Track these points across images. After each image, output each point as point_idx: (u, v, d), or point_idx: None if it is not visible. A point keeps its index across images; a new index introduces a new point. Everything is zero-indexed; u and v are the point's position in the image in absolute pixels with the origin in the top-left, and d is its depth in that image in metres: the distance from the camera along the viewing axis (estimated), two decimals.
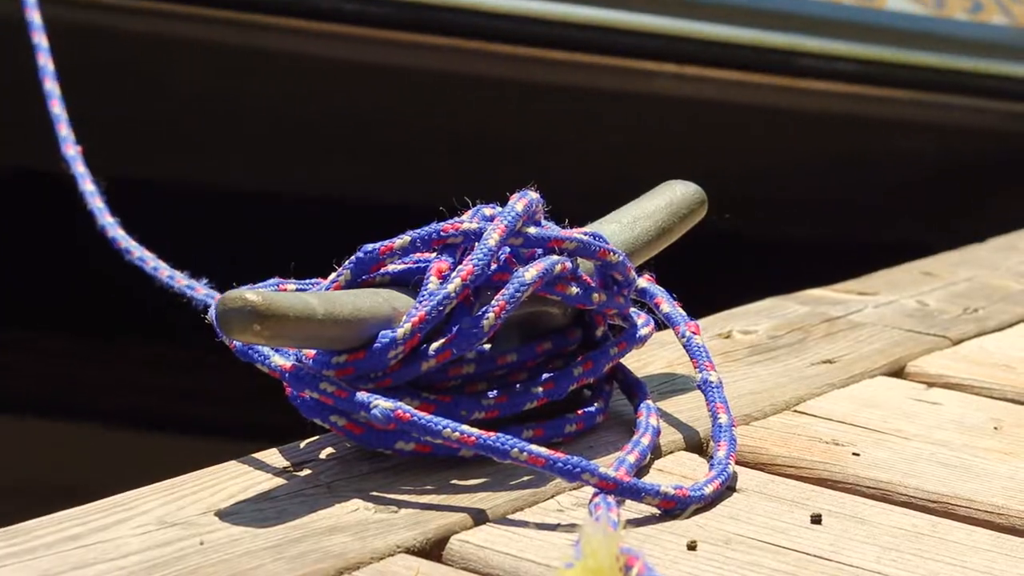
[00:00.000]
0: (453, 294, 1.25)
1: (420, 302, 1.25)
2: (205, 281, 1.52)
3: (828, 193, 3.37)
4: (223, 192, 3.08)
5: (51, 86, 2.17)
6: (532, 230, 1.32)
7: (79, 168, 1.98)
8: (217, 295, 1.45)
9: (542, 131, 3.14)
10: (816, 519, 1.22)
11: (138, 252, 1.68)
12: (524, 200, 1.32)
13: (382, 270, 1.29)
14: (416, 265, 1.29)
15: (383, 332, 1.23)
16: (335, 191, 3.11)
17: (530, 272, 1.29)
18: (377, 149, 3.07)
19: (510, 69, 3.01)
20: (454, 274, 1.26)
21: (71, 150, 2.03)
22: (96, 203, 1.88)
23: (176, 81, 2.95)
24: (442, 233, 1.29)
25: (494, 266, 1.29)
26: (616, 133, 3.18)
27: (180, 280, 1.56)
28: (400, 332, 1.23)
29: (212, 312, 1.21)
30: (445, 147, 3.12)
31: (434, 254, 1.29)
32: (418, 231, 1.29)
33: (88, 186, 1.92)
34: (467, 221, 1.31)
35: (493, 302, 1.27)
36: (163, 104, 2.96)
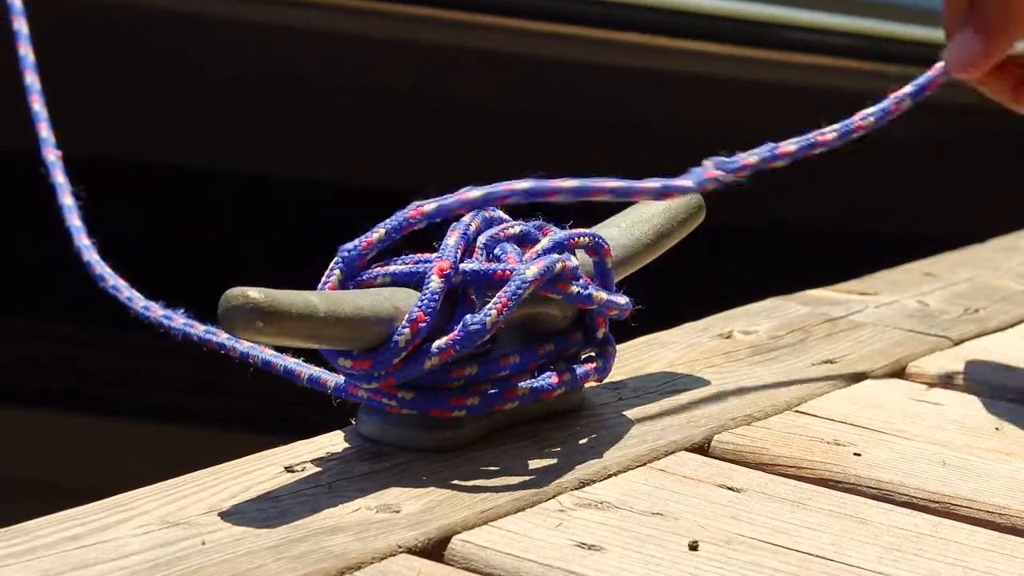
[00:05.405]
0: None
1: (422, 301, 1.25)
2: (182, 311, 1.48)
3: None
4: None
5: (31, 80, 1.99)
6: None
7: (59, 177, 1.81)
8: (195, 323, 1.43)
9: None
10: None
11: (112, 280, 1.59)
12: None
13: (382, 271, 1.29)
14: (417, 265, 1.29)
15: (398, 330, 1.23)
16: None
17: (531, 269, 1.29)
18: None
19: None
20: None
21: (51, 155, 1.85)
22: (74, 221, 1.73)
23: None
24: (410, 219, 1.29)
25: (494, 265, 1.29)
26: None
27: (155, 310, 1.50)
28: (407, 332, 1.23)
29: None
30: None
31: (435, 254, 1.29)
32: (387, 221, 1.29)
33: (67, 199, 1.77)
34: (427, 204, 1.30)
35: (495, 299, 1.27)
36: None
